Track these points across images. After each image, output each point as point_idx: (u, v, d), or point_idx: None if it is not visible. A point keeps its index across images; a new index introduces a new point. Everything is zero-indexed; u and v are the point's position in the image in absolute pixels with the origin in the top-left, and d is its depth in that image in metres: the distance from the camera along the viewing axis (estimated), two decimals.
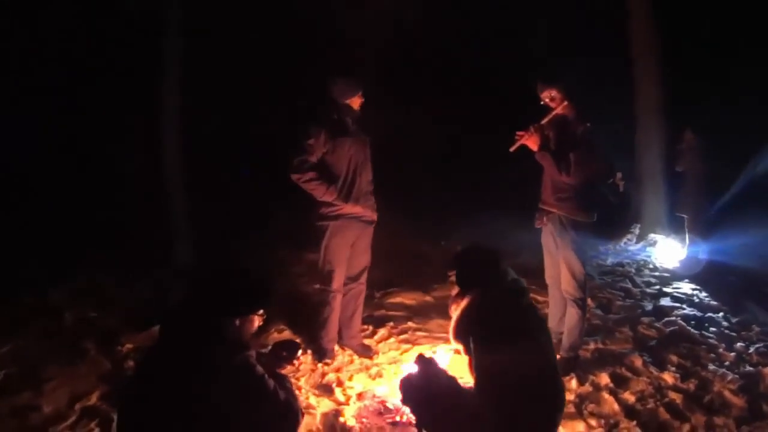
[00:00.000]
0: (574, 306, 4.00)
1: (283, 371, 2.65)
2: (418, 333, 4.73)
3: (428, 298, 5.62)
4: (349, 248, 4.07)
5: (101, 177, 7.12)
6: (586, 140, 3.81)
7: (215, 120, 7.35)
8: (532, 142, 3.92)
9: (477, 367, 2.47)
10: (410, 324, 4.90)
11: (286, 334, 4.54)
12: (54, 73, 7.09)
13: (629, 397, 3.77)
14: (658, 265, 7.02)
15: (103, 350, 4.22)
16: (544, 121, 3.94)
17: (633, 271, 6.81)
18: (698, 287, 6.10)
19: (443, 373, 2.76)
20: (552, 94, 3.89)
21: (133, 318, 4.67)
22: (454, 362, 3.25)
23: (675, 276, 6.56)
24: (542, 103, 3.98)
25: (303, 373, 3.94)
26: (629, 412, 3.61)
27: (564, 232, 3.98)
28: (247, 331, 2.36)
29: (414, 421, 3.22)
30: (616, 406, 3.65)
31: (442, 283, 5.93)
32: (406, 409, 3.38)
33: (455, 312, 2.77)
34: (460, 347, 2.70)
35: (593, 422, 3.47)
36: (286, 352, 2.62)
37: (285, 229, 6.92)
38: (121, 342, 4.31)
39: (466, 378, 2.74)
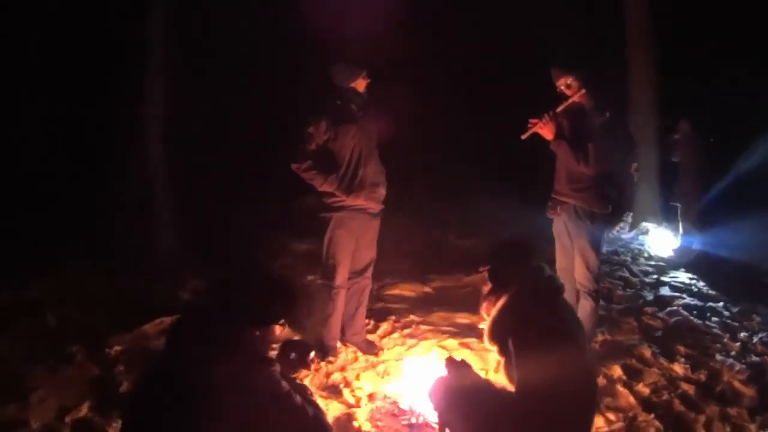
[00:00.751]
0: (588, 298, 3.92)
1: (297, 375, 2.46)
2: (422, 327, 4.61)
3: (427, 289, 5.51)
4: (353, 241, 3.92)
5: (82, 168, 6.78)
6: (606, 131, 3.73)
7: (201, 108, 7.05)
8: (546, 131, 3.82)
9: (518, 369, 2.33)
10: (412, 317, 4.79)
11: (286, 332, 4.32)
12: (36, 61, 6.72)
13: (644, 390, 3.75)
14: (652, 253, 7.03)
15: (91, 354, 3.98)
16: (559, 109, 3.82)
17: (629, 259, 6.81)
18: (695, 277, 6.14)
19: (477, 376, 2.62)
20: (568, 82, 3.78)
21: (118, 316, 4.44)
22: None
23: (670, 265, 6.57)
24: (558, 90, 3.86)
25: (306, 373, 3.75)
26: (646, 405, 3.58)
27: (580, 223, 3.90)
28: (268, 342, 2.19)
29: (434, 423, 3.13)
30: (632, 399, 3.62)
31: (439, 273, 5.82)
32: (422, 410, 3.25)
33: (490, 311, 2.61)
34: (494, 348, 2.55)
35: (612, 416, 3.43)
36: (295, 353, 2.42)
37: (271, 218, 6.70)
38: (108, 344, 4.08)
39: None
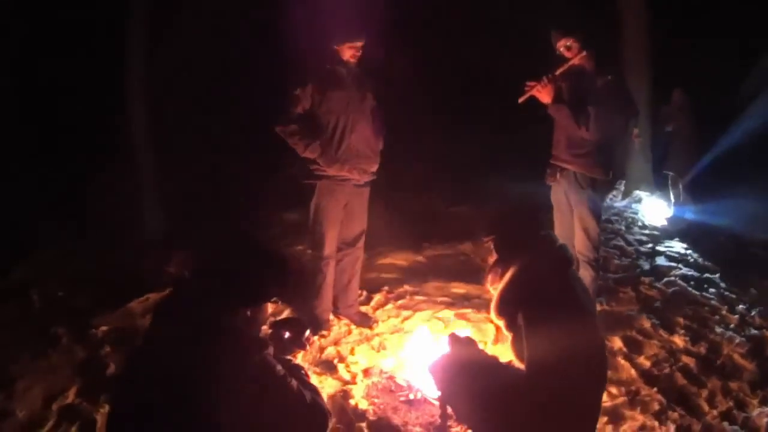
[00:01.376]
0: (588, 268, 3.82)
1: (292, 356, 2.29)
2: (416, 297, 4.49)
3: (420, 258, 5.38)
4: (341, 210, 3.74)
5: (64, 143, 6.42)
6: (607, 94, 3.58)
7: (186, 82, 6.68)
8: (544, 94, 3.66)
9: (528, 345, 2.19)
10: (406, 287, 4.66)
11: (276, 306, 4.16)
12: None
13: (644, 362, 3.71)
14: (646, 222, 6.95)
15: (76, 335, 3.78)
16: (558, 72, 3.66)
17: (623, 228, 6.74)
18: (690, 247, 6.07)
19: (482, 352, 2.48)
20: (568, 44, 3.63)
21: (105, 294, 4.23)
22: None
23: (665, 234, 6.50)
24: (558, 53, 3.71)
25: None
26: (647, 378, 3.53)
27: (580, 190, 3.79)
28: (260, 322, 2.01)
29: (433, 399, 3.01)
30: (633, 372, 3.58)
31: (431, 241, 5.68)
32: (420, 385, 3.13)
33: (498, 284, 2.45)
34: (502, 322, 2.40)
35: (614, 390, 3.37)
36: (290, 332, 2.24)
37: (261, 188, 6.45)
38: (94, 324, 3.87)
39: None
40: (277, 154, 3.77)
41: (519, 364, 2.32)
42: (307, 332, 2.31)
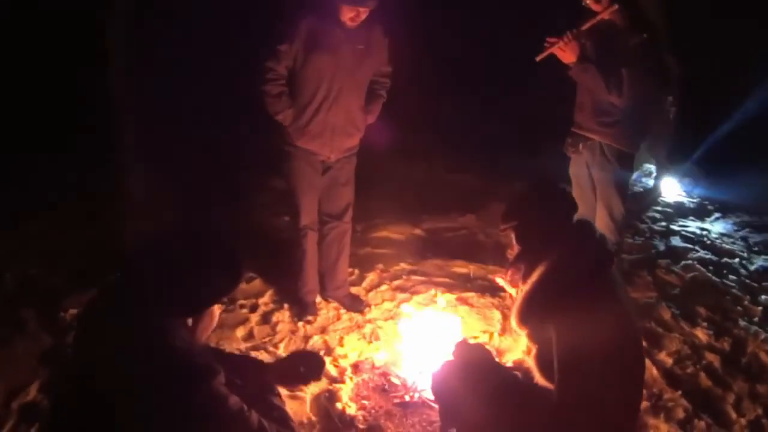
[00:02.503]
0: None
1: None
2: (414, 277, 4.13)
3: (418, 232, 4.99)
4: (318, 176, 3.33)
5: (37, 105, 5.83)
6: (642, 54, 3.15)
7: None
8: (569, 52, 3.23)
9: (562, 365, 1.83)
10: (403, 265, 4.29)
11: (257, 284, 3.76)
12: None
13: (666, 360, 3.44)
14: (658, 199, 6.53)
15: (44, 319, 3.40)
16: (584, 27, 3.23)
17: (634, 204, 6.30)
18: (705, 227, 5.69)
19: (498, 365, 2.10)
20: None
21: (80, 273, 3.82)
22: None
23: (678, 211, 6.11)
24: (584, 5, 3.24)
25: (281, 336, 3.26)
26: (670, 378, 3.26)
27: (606, 164, 3.43)
28: (204, 331, 1.61)
29: (432, 402, 2.67)
30: (654, 371, 3.29)
31: (430, 213, 5.26)
32: (417, 384, 2.78)
33: (517, 281, 2.05)
34: (524, 332, 2.01)
35: None
36: (305, 367, 1.86)
37: (247, 150, 5.93)
38: (63, 307, 3.48)
39: None
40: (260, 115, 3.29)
41: (544, 382, 1.95)
42: (323, 370, 1.95)
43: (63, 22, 5.78)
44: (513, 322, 2.06)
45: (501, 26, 7.54)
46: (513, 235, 2.20)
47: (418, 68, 5.91)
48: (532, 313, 1.97)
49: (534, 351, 2.00)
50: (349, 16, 2.98)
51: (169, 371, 1.41)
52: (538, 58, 3.28)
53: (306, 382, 1.97)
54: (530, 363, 2.02)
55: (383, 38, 3.25)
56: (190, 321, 1.57)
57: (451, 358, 2.28)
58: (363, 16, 2.99)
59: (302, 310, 3.44)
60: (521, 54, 3.73)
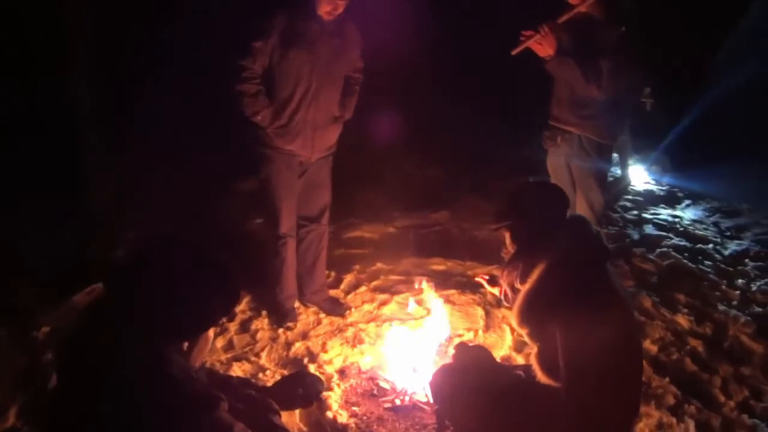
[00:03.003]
0: None
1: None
2: (392, 277, 4.09)
3: (392, 230, 4.96)
4: (297, 180, 3.23)
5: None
6: (622, 47, 3.17)
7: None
8: (546, 45, 3.21)
9: (571, 361, 1.80)
10: (380, 265, 4.24)
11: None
12: None
13: (651, 347, 3.46)
14: (628, 188, 6.66)
15: (16, 339, 3.19)
16: (560, 20, 3.21)
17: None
18: (677, 215, 5.83)
19: (498, 364, 2.07)
20: None
21: (48, 286, 3.60)
22: None
23: (648, 200, 6.24)
24: None
25: (262, 344, 3.15)
26: (657, 366, 3.30)
27: (585, 157, 3.43)
28: (200, 354, 1.53)
29: (424, 404, 2.62)
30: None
31: (402, 210, 5.21)
32: (407, 386, 2.72)
33: (514, 281, 2.02)
34: (524, 331, 1.98)
35: None
36: (303, 390, 1.79)
37: (207, 156, 5.75)
38: (36, 324, 3.27)
39: None
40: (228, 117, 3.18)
41: (547, 380, 1.91)
42: (322, 391, 1.87)
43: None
44: (514, 321, 2.03)
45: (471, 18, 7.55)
46: (507, 235, 2.18)
47: (384, 63, 5.86)
48: (534, 312, 1.95)
49: (535, 350, 1.98)
50: (326, 9, 2.91)
51: (172, 403, 1.32)
52: (513, 52, 3.26)
53: (305, 405, 1.90)
54: (532, 362, 1.99)
55: (356, 33, 3.19)
56: (185, 345, 1.49)
57: (449, 360, 2.24)
58: (341, 9, 2.93)
59: (282, 316, 3.35)
60: (491, 46, 3.74)
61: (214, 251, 1.58)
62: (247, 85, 2.94)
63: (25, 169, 4.67)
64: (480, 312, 3.67)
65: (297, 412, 2.56)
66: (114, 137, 4.94)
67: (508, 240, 2.16)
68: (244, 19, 3.06)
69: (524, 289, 1.97)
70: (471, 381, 2.09)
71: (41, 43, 4.76)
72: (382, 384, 2.82)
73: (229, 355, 3.06)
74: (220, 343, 3.17)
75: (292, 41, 2.93)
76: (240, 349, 3.13)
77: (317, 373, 2.67)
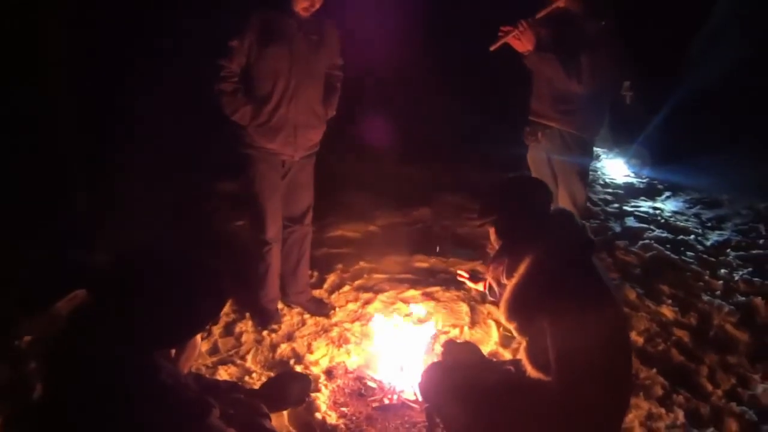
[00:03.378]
0: None
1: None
2: (375, 276, 4.06)
3: (373, 228, 4.93)
4: (280, 181, 3.19)
5: None
6: (603, 42, 3.20)
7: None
8: (524, 41, 3.24)
9: (559, 354, 1.79)
10: (362, 264, 4.20)
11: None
12: None
13: (637, 339, 3.50)
14: (607, 180, 6.74)
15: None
16: (539, 16, 3.24)
17: None
18: (657, 207, 5.90)
19: (487, 360, 2.07)
20: None
21: (28, 293, 3.45)
22: None
23: (628, 193, 6.32)
24: None
25: (247, 347, 3.10)
26: (644, 357, 3.33)
27: (566, 152, 3.47)
28: (188, 360, 1.50)
29: (412, 402, 2.61)
30: None
31: (382, 208, 5.19)
32: (395, 385, 2.71)
33: (501, 277, 2.02)
34: (512, 326, 1.98)
35: None
36: (296, 389, 1.76)
37: (189, 158, 5.65)
38: (18, 333, 3.15)
39: None
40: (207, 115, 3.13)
41: (537, 374, 1.91)
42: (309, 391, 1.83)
43: None
44: (502, 316, 2.03)
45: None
46: (492, 230, 2.18)
47: (364, 62, 5.84)
48: (522, 306, 1.94)
49: (524, 344, 1.97)
50: (303, 5, 2.87)
51: (163, 411, 1.28)
52: (492, 48, 3.27)
53: (295, 405, 1.87)
54: (521, 356, 1.98)
55: (335, 30, 3.16)
56: (173, 351, 1.45)
57: (437, 358, 2.23)
58: (318, 5, 2.90)
59: (265, 318, 3.29)
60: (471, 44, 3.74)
61: (199, 255, 1.54)
62: (225, 84, 2.89)
63: (4, 172, 4.57)
64: (465, 308, 3.67)
65: (286, 414, 2.53)
66: (95, 140, 4.84)
67: (492, 235, 2.16)
68: (222, 18, 3.02)
69: (511, 283, 1.97)
70: (460, 378, 2.09)
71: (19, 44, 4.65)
72: (370, 383, 2.79)
73: (214, 359, 3.01)
74: (205, 346, 3.10)
75: (270, 38, 2.89)
76: (225, 352, 3.08)
77: (306, 375, 2.64)
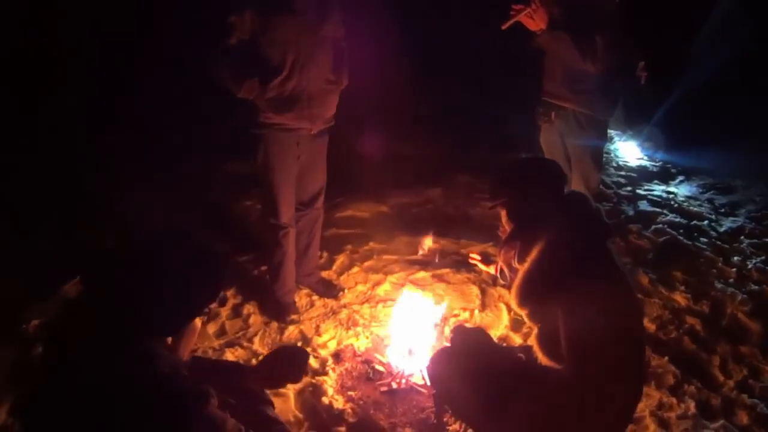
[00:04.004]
0: None
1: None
2: (385, 257, 4.01)
3: (383, 208, 4.85)
4: (295, 163, 3.08)
5: None
6: (618, 20, 3.11)
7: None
8: (538, 19, 3.13)
9: (571, 339, 1.77)
10: (372, 245, 4.16)
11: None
12: None
13: (650, 326, 3.45)
14: (620, 163, 6.62)
15: (5, 334, 3.06)
16: None
17: None
18: (671, 191, 5.80)
19: (498, 347, 2.03)
20: None
21: (37, 277, 3.45)
22: None
23: (642, 176, 6.20)
24: None
25: (255, 329, 3.08)
26: (656, 344, 3.28)
27: (580, 133, 3.39)
28: (186, 345, 1.46)
29: (421, 387, 2.58)
30: None
31: (394, 188, 5.12)
32: (404, 368, 2.67)
33: (511, 261, 1.96)
34: (524, 312, 1.92)
35: None
36: (288, 365, 1.72)
37: (198, 138, 5.58)
38: (26, 317, 3.14)
39: None
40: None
41: (548, 362, 1.86)
42: (307, 366, 1.79)
43: None
44: (513, 302, 1.97)
45: None
46: (503, 212, 2.11)
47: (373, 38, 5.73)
48: (534, 293, 1.88)
49: (535, 331, 1.92)
50: None
51: (160, 401, 1.25)
52: (503, 26, 3.17)
53: (294, 380, 1.82)
54: (532, 343, 1.93)
55: None
56: (170, 339, 1.41)
57: (446, 342, 2.18)
58: None
59: (281, 311, 3.21)
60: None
61: (198, 235, 1.49)
62: (224, 62, 2.78)
63: (14, 160, 4.53)
64: (475, 291, 3.62)
65: (292, 398, 2.52)
66: (104, 123, 4.79)
67: (504, 218, 2.09)
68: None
69: (523, 268, 1.91)
70: (470, 364, 2.04)
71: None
72: (378, 367, 2.76)
73: (221, 341, 2.99)
74: (212, 328, 3.10)
75: (274, 8, 2.78)
76: (232, 334, 3.06)
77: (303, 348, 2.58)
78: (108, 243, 3.85)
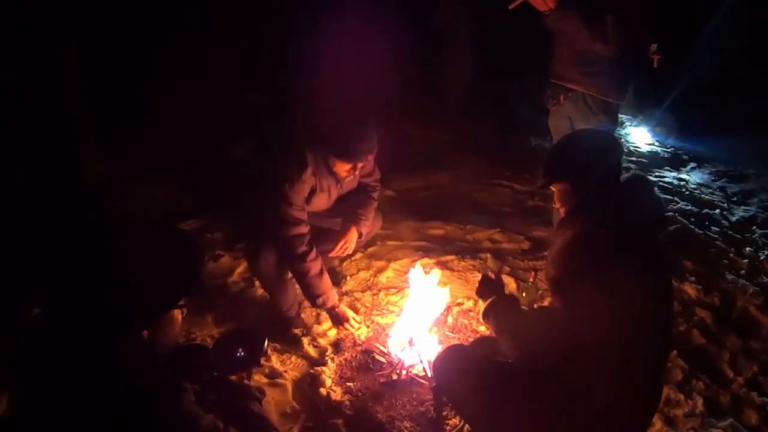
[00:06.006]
0: None
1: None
2: (389, 242, 3.89)
3: (388, 192, 4.72)
4: None
5: None
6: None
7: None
8: None
9: (580, 340, 1.64)
10: (375, 230, 3.97)
11: (225, 262, 3.48)
12: None
13: None
14: (632, 148, 6.46)
15: (4, 323, 2.93)
16: None
17: None
18: (682, 178, 5.62)
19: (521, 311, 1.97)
20: None
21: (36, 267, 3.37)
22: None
23: (653, 162, 6.04)
24: None
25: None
26: None
27: (590, 116, 3.29)
28: (166, 336, 1.37)
29: (422, 378, 2.49)
30: None
31: (399, 171, 4.99)
32: (405, 359, 2.58)
33: (563, 233, 1.81)
34: (551, 281, 1.81)
35: None
36: (243, 350, 1.61)
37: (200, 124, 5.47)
38: (26, 305, 3.05)
39: None
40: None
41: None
42: (266, 346, 1.67)
43: None
44: (548, 269, 1.83)
45: None
46: (559, 195, 1.94)
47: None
48: (565, 283, 1.74)
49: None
50: (344, 170, 2.73)
51: (129, 397, 1.17)
52: (511, 6, 3.08)
53: (248, 368, 1.72)
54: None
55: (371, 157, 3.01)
56: (145, 332, 1.32)
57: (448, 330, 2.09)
58: (358, 171, 2.82)
59: (286, 325, 2.96)
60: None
61: (172, 227, 1.42)
62: (308, 260, 2.72)
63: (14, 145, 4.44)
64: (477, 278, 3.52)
65: (290, 389, 2.44)
66: (106, 109, 4.68)
67: (558, 199, 1.93)
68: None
69: (564, 237, 1.76)
70: (476, 363, 1.95)
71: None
72: (378, 357, 2.67)
73: (221, 329, 2.90)
74: (211, 317, 3.01)
75: (313, 193, 2.80)
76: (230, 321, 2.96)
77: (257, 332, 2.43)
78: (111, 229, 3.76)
